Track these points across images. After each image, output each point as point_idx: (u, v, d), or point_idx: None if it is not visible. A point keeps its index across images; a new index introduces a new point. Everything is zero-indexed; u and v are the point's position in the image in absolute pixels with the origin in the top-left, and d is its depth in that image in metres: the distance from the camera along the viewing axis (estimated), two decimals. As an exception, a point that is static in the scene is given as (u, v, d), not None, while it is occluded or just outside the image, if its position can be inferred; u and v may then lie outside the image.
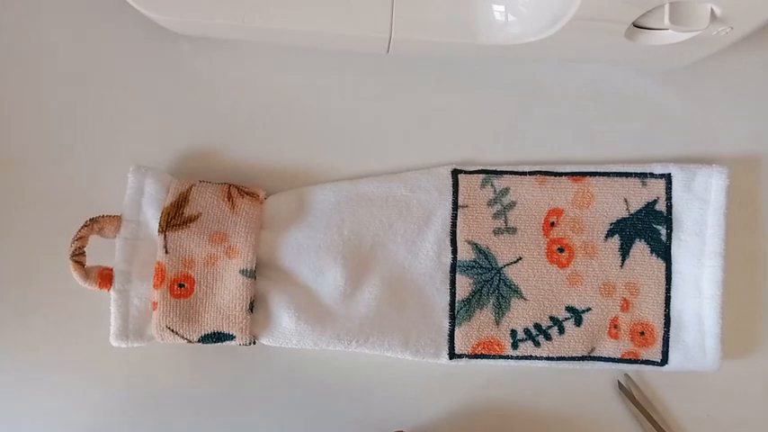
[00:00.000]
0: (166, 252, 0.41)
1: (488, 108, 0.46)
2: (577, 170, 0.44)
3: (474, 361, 0.44)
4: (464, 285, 0.43)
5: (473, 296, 0.43)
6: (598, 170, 0.44)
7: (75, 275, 0.41)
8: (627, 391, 0.45)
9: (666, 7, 0.36)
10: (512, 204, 0.44)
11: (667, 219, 0.44)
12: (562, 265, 0.44)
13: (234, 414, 0.45)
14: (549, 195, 0.44)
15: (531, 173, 0.44)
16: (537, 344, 0.43)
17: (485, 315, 0.43)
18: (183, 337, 0.41)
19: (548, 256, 0.44)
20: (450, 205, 0.44)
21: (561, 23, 0.37)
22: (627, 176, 0.44)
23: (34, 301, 0.45)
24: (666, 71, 0.46)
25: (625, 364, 0.44)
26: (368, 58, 0.45)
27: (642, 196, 0.44)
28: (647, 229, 0.44)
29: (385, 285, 0.43)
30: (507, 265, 0.44)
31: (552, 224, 0.44)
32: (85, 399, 0.44)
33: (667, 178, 0.44)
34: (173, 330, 0.41)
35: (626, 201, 0.44)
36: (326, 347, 0.43)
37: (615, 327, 0.43)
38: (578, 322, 0.43)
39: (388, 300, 0.43)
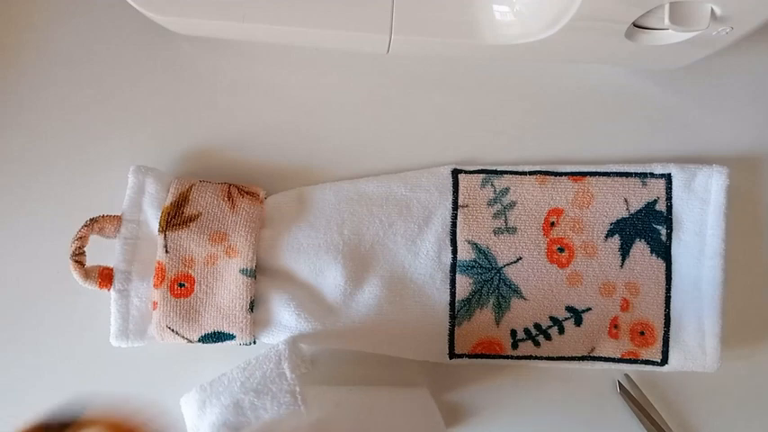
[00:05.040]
0: (166, 252, 0.41)
1: (488, 108, 0.46)
2: (577, 170, 0.44)
3: (474, 361, 0.44)
4: (464, 285, 0.43)
5: (473, 296, 0.43)
6: (598, 170, 0.44)
7: (75, 275, 0.41)
8: (627, 392, 0.45)
9: (666, 7, 0.36)
10: (512, 204, 0.44)
11: (667, 219, 0.44)
12: (562, 265, 0.44)
13: (234, 414, 0.45)
14: (549, 195, 0.44)
15: (531, 173, 0.44)
16: (537, 344, 0.43)
17: (485, 315, 0.43)
18: (183, 336, 0.41)
19: (548, 255, 0.44)
20: (450, 205, 0.44)
21: (561, 23, 0.37)
22: (627, 176, 0.44)
23: (34, 301, 0.45)
24: (666, 71, 0.46)
25: (625, 364, 0.44)
26: (368, 58, 0.45)
27: (642, 196, 0.44)
28: (647, 228, 0.44)
29: (385, 285, 0.43)
30: (507, 264, 0.44)
31: (552, 224, 0.44)
32: (85, 399, 0.44)
33: (667, 178, 0.44)
34: (173, 330, 0.41)
35: (626, 201, 0.44)
36: (326, 347, 0.43)
37: (615, 327, 0.43)
38: (578, 322, 0.43)
39: (389, 299, 0.43)
